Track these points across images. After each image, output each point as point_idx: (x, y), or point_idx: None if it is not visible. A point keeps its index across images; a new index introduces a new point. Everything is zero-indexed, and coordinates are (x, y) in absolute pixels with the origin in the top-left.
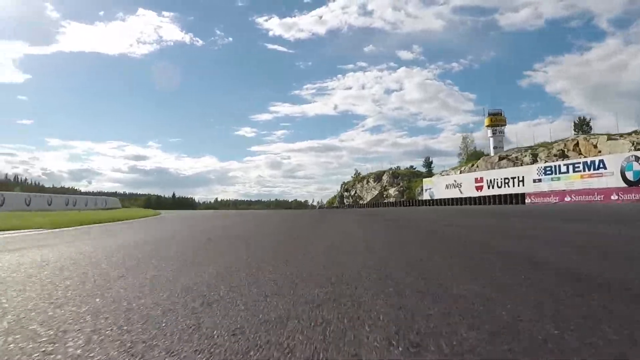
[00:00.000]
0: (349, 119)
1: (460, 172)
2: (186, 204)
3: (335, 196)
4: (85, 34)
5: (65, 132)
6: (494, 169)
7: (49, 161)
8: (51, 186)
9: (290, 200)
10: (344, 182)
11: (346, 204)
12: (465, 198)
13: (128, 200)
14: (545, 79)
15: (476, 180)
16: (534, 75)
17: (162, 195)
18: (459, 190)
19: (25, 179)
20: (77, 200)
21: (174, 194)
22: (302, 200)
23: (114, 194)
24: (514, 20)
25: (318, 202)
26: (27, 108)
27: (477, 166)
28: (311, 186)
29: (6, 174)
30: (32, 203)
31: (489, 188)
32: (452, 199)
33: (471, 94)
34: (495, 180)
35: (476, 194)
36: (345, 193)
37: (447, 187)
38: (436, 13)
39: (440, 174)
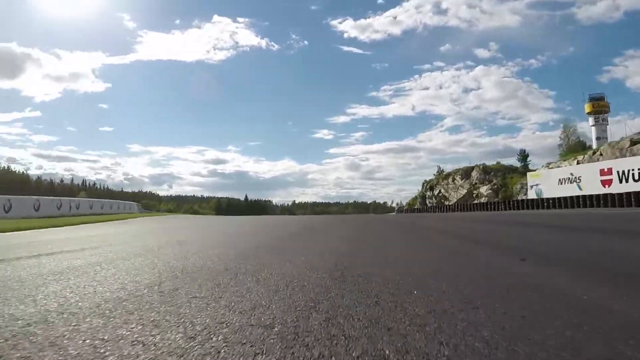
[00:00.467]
0: (427, 119)
1: (578, 163)
2: (259, 207)
3: (416, 197)
4: (162, 43)
5: (145, 138)
6: (625, 156)
7: (131, 166)
8: (135, 191)
9: (369, 202)
10: (425, 181)
11: (429, 205)
12: (587, 196)
13: (199, 203)
14: (626, 73)
15: (602, 172)
16: (614, 70)
17: (235, 198)
18: (577, 185)
19: (94, 183)
20: (93, 204)
21: (246, 197)
22: (381, 202)
23: (192, 197)
24: (591, 13)
25: (397, 204)
26: (108, 116)
27: (602, 154)
28: (389, 187)
29: (82, 179)
30: (41, 208)
31: (620, 182)
32: (568, 198)
33: (550, 90)
34: (632, 172)
35: (602, 190)
36: (428, 193)
37: (560, 182)
38: (511, 9)
39: (547, 166)
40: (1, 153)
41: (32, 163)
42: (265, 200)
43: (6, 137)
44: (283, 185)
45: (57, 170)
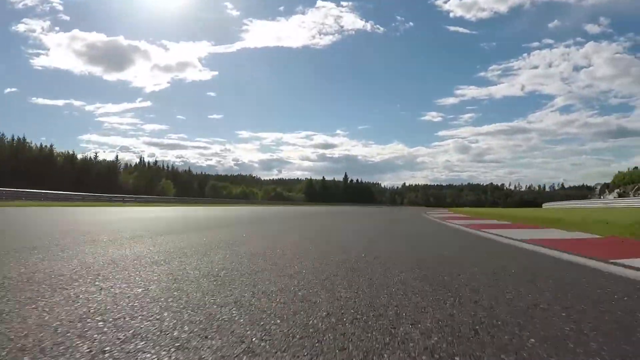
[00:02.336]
0: (537, 99)
1: None
2: (361, 190)
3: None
4: (268, 30)
5: (254, 124)
6: None
7: (240, 152)
8: (247, 174)
9: (484, 185)
10: None
11: None
12: None
13: (291, 186)
14: None
15: None
16: None
17: (329, 180)
18: None
19: (189, 169)
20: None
21: (345, 177)
22: (498, 184)
23: (299, 181)
24: None
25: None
26: (216, 103)
27: None
28: (500, 170)
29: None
30: None
31: None
32: None
33: None
34: None
35: None
36: None
37: None
38: None
39: None
40: (115, 142)
41: (144, 151)
42: (372, 183)
43: (118, 126)
44: (392, 168)
45: (169, 157)
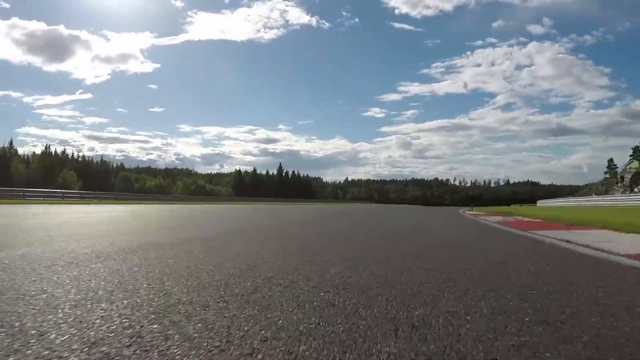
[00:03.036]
0: (479, 96)
1: None
2: (300, 185)
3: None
4: (213, 23)
5: (196, 118)
6: None
7: (182, 147)
8: (187, 169)
9: (428, 180)
10: None
11: None
12: None
13: (216, 180)
14: None
15: None
16: None
17: (261, 174)
18: None
19: (101, 158)
20: None
21: (280, 169)
22: (443, 179)
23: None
24: None
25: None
26: (158, 96)
27: None
28: (441, 166)
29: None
30: None
31: None
32: None
33: (605, 67)
34: None
35: None
36: None
37: None
38: None
39: None
40: (54, 135)
41: (84, 145)
42: (314, 178)
43: (58, 119)
44: (335, 163)
45: (109, 151)
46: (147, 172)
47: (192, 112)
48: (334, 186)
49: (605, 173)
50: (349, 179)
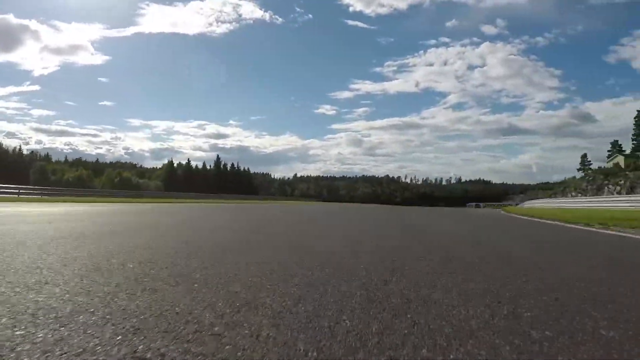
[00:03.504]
0: (431, 96)
1: None
2: (238, 180)
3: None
4: (165, 15)
5: (146, 112)
6: None
7: (131, 141)
8: (136, 164)
9: (379, 177)
10: None
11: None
12: None
13: (149, 174)
14: (633, 54)
15: None
16: (621, 50)
17: (198, 169)
18: None
19: (19, 147)
20: None
21: (218, 161)
22: (395, 177)
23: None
24: None
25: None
26: (108, 89)
27: None
28: (391, 164)
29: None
30: None
31: None
32: None
33: (556, 69)
34: None
35: None
36: None
37: None
38: None
39: None
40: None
41: (31, 138)
42: (261, 174)
43: (4, 111)
44: (285, 160)
45: (57, 145)
46: (94, 167)
47: (142, 106)
48: (282, 182)
49: (579, 170)
50: (298, 175)
